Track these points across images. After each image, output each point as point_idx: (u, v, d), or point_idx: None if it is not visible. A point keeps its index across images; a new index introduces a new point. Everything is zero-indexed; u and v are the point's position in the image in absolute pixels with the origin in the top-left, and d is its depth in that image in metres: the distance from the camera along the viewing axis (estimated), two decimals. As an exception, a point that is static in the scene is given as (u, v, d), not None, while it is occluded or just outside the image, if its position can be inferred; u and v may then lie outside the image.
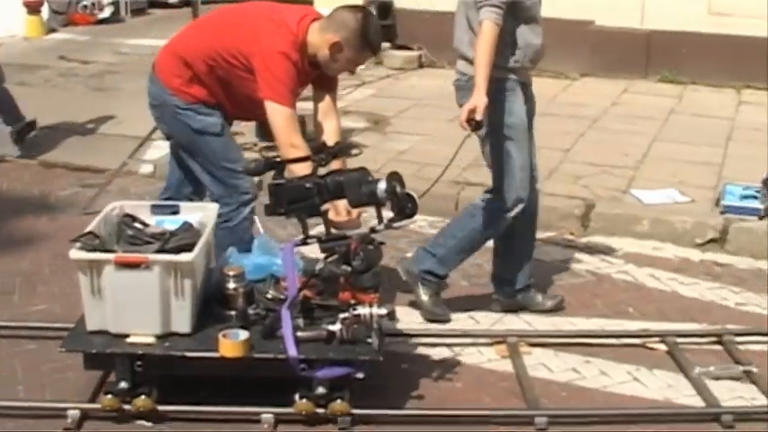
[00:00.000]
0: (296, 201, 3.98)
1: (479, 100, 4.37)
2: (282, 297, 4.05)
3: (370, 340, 3.91)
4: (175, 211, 4.35)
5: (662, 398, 4.33)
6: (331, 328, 3.91)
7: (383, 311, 3.93)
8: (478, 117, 4.35)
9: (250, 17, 4.57)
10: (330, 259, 3.96)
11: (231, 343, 3.86)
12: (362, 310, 3.91)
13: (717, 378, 4.43)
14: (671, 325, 5.01)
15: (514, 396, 4.27)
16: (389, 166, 6.72)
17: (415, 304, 5.04)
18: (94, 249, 3.90)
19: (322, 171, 4.12)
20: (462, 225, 5.01)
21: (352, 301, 3.97)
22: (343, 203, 4.20)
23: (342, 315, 3.92)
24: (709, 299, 5.45)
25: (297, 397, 3.90)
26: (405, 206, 3.90)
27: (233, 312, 4.07)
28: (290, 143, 4.32)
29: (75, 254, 3.88)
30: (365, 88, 9.84)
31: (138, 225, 4.14)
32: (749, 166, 7.06)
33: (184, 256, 3.88)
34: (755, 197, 6.43)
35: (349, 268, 3.90)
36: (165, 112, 4.68)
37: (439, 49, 10.25)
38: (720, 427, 4.06)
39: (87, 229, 4.01)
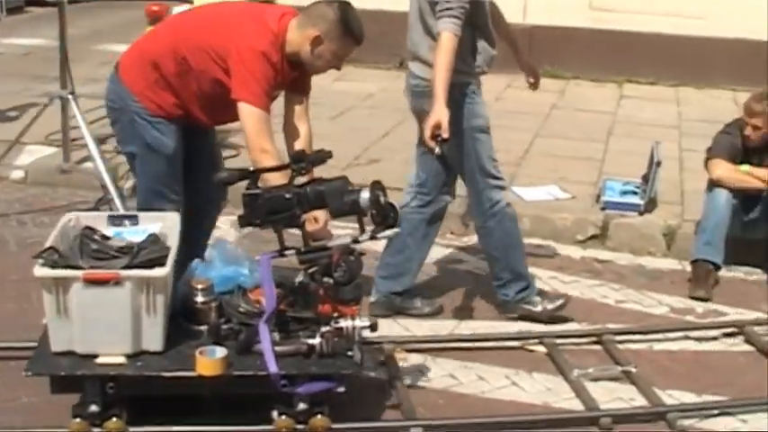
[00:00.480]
0: (275, 212, 3.85)
1: (442, 114, 4.35)
2: (256, 310, 3.89)
3: (350, 353, 3.80)
4: (134, 222, 4.16)
5: (541, 402, 4.26)
6: (310, 341, 3.79)
7: (365, 323, 3.85)
8: (445, 135, 4.33)
9: (227, 15, 4.40)
10: (310, 271, 3.85)
11: (209, 361, 3.67)
12: (345, 323, 3.82)
13: (596, 379, 4.38)
14: (550, 326, 4.96)
15: (390, 406, 4.13)
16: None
17: None
18: (58, 266, 3.67)
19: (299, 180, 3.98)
20: (492, 245, 4.97)
21: (334, 314, 3.86)
22: (323, 214, 4.08)
23: (323, 328, 3.81)
24: (589, 297, 5.44)
25: (275, 414, 3.74)
26: (388, 215, 3.84)
27: (203, 327, 3.90)
28: (261, 148, 4.13)
29: (40, 271, 3.64)
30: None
31: (98, 238, 3.90)
32: (629, 160, 7.09)
33: (159, 271, 3.69)
34: (635, 193, 6.45)
35: (331, 280, 3.79)
36: (123, 117, 4.45)
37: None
38: (599, 429, 4.00)
39: (47, 244, 3.77)
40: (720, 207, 5.60)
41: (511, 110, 8.87)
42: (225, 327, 3.87)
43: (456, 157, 4.79)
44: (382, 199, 3.83)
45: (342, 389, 3.75)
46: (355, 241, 3.89)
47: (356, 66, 10.07)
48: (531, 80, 5.34)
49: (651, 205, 6.38)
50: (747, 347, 4.88)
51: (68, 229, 3.98)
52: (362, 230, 3.90)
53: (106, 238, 3.95)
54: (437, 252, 5.79)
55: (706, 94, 9.84)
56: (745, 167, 5.61)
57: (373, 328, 3.88)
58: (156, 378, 3.68)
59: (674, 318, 5.24)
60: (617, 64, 10.09)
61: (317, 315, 3.89)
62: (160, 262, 3.73)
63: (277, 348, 3.73)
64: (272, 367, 3.66)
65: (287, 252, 3.93)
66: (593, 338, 4.81)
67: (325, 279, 3.80)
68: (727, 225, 5.60)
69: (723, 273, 5.69)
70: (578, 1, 10.26)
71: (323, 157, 3.99)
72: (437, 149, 4.41)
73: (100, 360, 3.70)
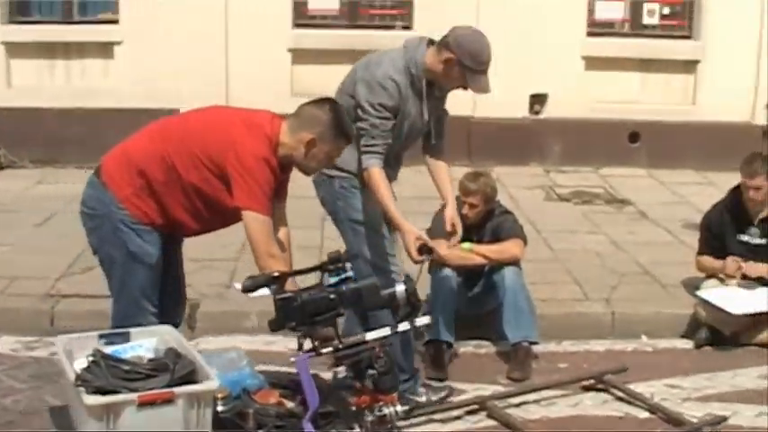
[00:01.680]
0: (318, 313, 3.97)
1: (413, 231, 4.71)
2: (286, 412, 4.07)
3: None
4: (125, 339, 4.10)
5: None
6: None
7: (406, 408, 4.11)
8: (415, 255, 4.67)
9: (217, 120, 4.38)
10: (345, 363, 4.01)
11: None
12: (387, 410, 3.97)
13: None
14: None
15: None
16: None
17: None
18: (101, 391, 3.60)
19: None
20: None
21: (378, 403, 4.00)
22: None
23: (368, 418, 3.96)
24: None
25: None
26: (417, 305, 4.12)
27: None
28: (269, 253, 4.20)
29: (91, 399, 3.54)
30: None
31: (116, 359, 3.84)
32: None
33: (208, 385, 3.75)
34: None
35: (373, 371, 3.94)
36: (105, 225, 4.36)
37: (19, 148, 9.69)
38: None
39: (72, 374, 3.71)
40: (445, 286, 5.71)
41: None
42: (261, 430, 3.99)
43: (351, 243, 4.97)
44: (415, 291, 4.10)
45: None
46: (395, 332, 4.10)
47: (55, 167, 9.65)
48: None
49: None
50: (491, 422, 4.94)
51: (70, 355, 3.90)
52: (400, 321, 4.11)
53: (119, 359, 3.87)
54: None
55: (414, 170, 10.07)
56: (467, 245, 5.75)
57: (412, 410, 4.22)
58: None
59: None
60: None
61: (356, 407, 4.05)
62: (192, 375, 3.76)
63: None
64: None
65: (323, 350, 4.02)
66: None
67: (369, 371, 3.95)
68: (454, 302, 5.71)
69: (456, 348, 5.79)
70: (280, 88, 10.32)
71: (348, 257, 4.22)
72: (426, 260, 4.72)
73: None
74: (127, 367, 3.74)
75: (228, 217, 4.41)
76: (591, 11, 10.84)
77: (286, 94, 10.37)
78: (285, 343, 5.59)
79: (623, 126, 10.82)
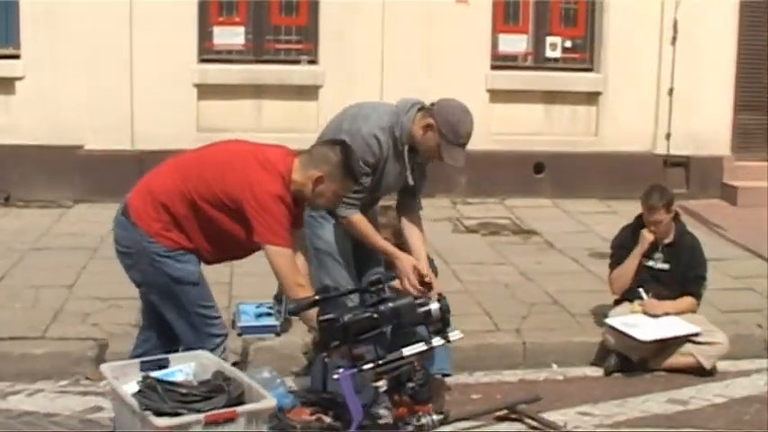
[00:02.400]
0: (364, 331, 4.24)
1: (406, 262, 4.99)
2: (329, 425, 4.44)
3: None
4: (164, 365, 4.27)
5: None
6: None
7: (441, 417, 4.35)
8: (415, 283, 4.92)
9: (232, 158, 4.53)
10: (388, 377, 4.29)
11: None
12: (425, 419, 4.26)
13: None
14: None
15: None
16: None
17: None
18: (159, 414, 3.76)
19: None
20: None
21: (417, 413, 4.29)
22: None
23: (408, 427, 4.25)
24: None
25: None
26: (449, 321, 4.38)
27: None
28: (297, 283, 4.43)
29: (162, 422, 3.71)
30: None
31: (167, 383, 4.01)
32: (257, 281, 7.02)
33: (267, 403, 3.96)
34: (270, 314, 6.40)
35: (412, 384, 4.24)
36: (141, 260, 4.55)
37: None
38: None
39: (131, 400, 3.87)
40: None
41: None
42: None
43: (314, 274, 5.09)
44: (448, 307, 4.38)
45: None
46: (431, 347, 4.37)
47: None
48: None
49: (287, 324, 6.36)
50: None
51: (117, 383, 4.07)
52: (434, 335, 4.37)
53: (174, 383, 4.05)
54: (74, 402, 5.42)
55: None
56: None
57: (446, 417, 4.40)
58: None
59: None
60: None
61: (394, 418, 4.37)
62: (242, 396, 3.97)
63: None
64: None
65: (365, 366, 4.27)
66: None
67: (409, 384, 4.24)
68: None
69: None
70: (186, 124, 10.24)
71: (391, 278, 4.63)
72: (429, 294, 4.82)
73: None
74: (184, 390, 3.94)
75: (248, 246, 4.61)
76: (494, 44, 11.02)
77: (192, 129, 10.31)
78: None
79: (528, 157, 10.98)
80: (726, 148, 11.43)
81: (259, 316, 6.37)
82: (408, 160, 5.04)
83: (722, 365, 6.36)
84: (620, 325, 6.26)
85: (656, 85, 11.07)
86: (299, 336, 6.25)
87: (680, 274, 6.49)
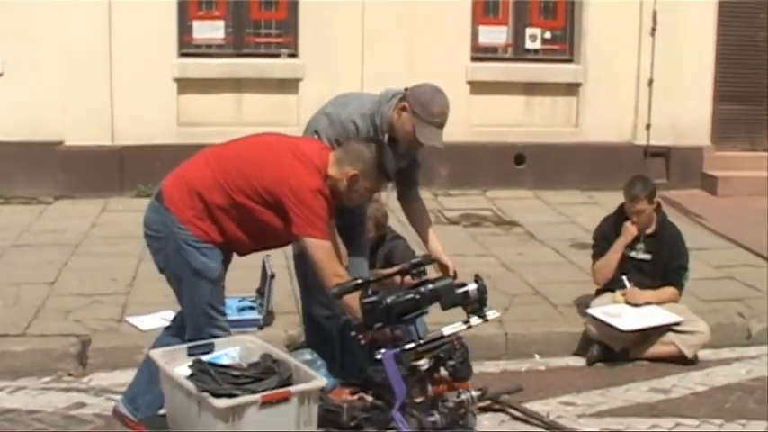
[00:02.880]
0: (407, 312, 4.39)
1: None
2: (373, 404, 4.54)
3: (462, 422, 4.43)
4: (209, 350, 4.36)
5: None
6: (431, 419, 4.34)
7: (479, 393, 4.53)
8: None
9: (269, 152, 4.60)
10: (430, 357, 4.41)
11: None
12: (465, 396, 4.43)
13: None
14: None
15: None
16: None
17: None
18: (224, 395, 3.87)
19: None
20: None
21: (458, 390, 4.46)
22: None
23: (449, 404, 4.39)
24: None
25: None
26: (485, 302, 4.50)
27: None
28: (335, 273, 4.50)
29: (220, 402, 3.81)
30: None
31: (218, 366, 4.10)
32: (240, 275, 6.96)
33: (317, 383, 4.07)
34: (252, 308, 6.41)
35: (453, 362, 4.39)
36: (169, 245, 4.60)
37: None
38: None
39: (187, 383, 3.97)
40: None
41: (110, 235, 8.61)
42: (353, 423, 4.37)
43: None
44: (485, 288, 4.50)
45: None
46: (470, 326, 4.50)
47: None
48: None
49: (270, 318, 6.37)
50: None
51: (169, 367, 4.17)
52: (471, 315, 4.50)
53: (226, 365, 4.15)
54: (57, 398, 5.41)
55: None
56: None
57: (484, 393, 4.59)
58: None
59: None
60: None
61: (434, 395, 4.45)
62: (290, 377, 4.08)
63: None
64: None
65: (407, 346, 4.40)
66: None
67: (449, 362, 4.39)
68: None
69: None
70: (166, 118, 10.21)
71: (430, 260, 4.73)
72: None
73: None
74: (236, 372, 4.04)
75: (283, 237, 4.70)
76: (475, 36, 11.03)
77: (172, 124, 10.30)
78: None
79: (509, 149, 11.01)
80: (706, 138, 11.49)
81: (242, 310, 6.37)
82: (392, 150, 5.03)
83: (703, 354, 6.40)
84: (602, 315, 6.29)
85: (635, 76, 11.11)
86: (282, 329, 6.27)
87: (662, 264, 6.52)
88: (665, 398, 5.78)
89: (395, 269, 4.65)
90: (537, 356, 6.43)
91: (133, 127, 10.11)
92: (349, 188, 4.62)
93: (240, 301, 6.46)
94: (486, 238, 8.94)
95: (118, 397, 5.46)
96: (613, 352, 6.32)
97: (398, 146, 5.05)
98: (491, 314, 4.58)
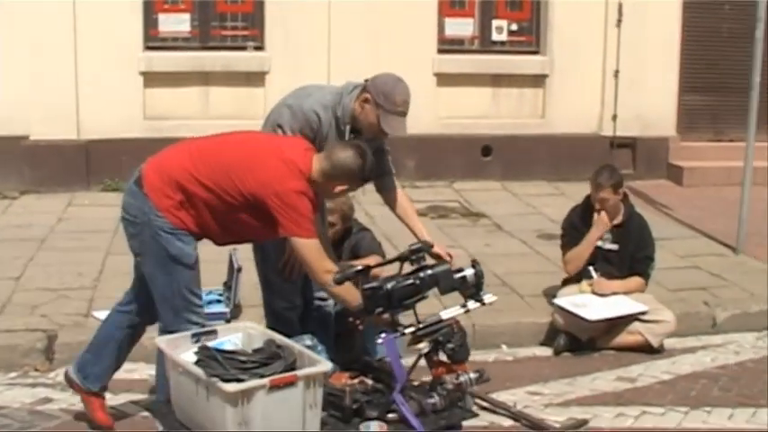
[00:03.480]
0: (407, 297, 4.46)
1: None
2: (373, 387, 4.53)
3: (460, 403, 4.51)
4: (214, 336, 4.40)
5: None
6: (430, 401, 4.40)
7: (478, 375, 4.53)
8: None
9: (254, 154, 4.61)
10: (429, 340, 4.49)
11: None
12: (463, 378, 4.48)
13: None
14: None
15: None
16: None
17: None
18: (232, 379, 3.92)
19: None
20: None
21: (456, 372, 4.50)
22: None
23: (448, 386, 4.46)
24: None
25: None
26: (482, 286, 4.62)
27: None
28: (325, 269, 4.57)
29: (230, 387, 3.86)
30: None
31: (224, 351, 4.14)
32: (206, 268, 6.90)
33: (323, 367, 4.14)
34: (220, 301, 6.40)
35: (451, 345, 4.46)
36: (145, 232, 4.61)
37: None
38: None
39: (195, 368, 4.00)
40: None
41: (76, 229, 8.57)
42: (355, 406, 4.33)
43: None
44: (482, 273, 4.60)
45: None
46: (467, 311, 4.65)
47: None
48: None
49: (237, 311, 6.36)
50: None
51: (175, 354, 4.20)
52: (468, 299, 4.63)
53: (232, 351, 4.20)
54: (23, 393, 5.38)
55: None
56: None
57: (482, 375, 4.54)
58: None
59: None
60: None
61: (433, 377, 4.56)
62: (294, 362, 4.13)
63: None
64: (420, 427, 4.25)
65: (406, 330, 4.51)
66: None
67: (448, 345, 4.46)
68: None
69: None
70: (132, 112, 10.16)
71: (429, 247, 4.77)
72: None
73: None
74: (243, 358, 4.09)
75: (260, 234, 4.77)
76: (441, 28, 11.04)
77: (138, 117, 10.25)
78: (147, 371, 5.49)
79: (476, 140, 11.03)
80: (671, 128, 11.57)
81: (209, 303, 6.35)
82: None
83: (669, 343, 6.46)
84: (569, 305, 6.33)
85: (601, 67, 11.16)
86: (251, 321, 6.24)
87: (628, 254, 6.57)
88: (632, 386, 5.83)
89: (394, 257, 4.69)
90: (504, 347, 6.47)
91: (99, 121, 10.04)
92: (332, 192, 4.74)
93: (207, 294, 6.41)
94: (453, 230, 8.96)
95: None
96: (580, 342, 6.37)
97: (362, 137, 5.06)
98: (488, 298, 4.67)
